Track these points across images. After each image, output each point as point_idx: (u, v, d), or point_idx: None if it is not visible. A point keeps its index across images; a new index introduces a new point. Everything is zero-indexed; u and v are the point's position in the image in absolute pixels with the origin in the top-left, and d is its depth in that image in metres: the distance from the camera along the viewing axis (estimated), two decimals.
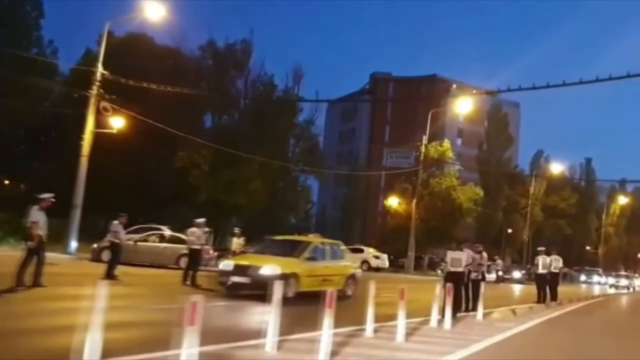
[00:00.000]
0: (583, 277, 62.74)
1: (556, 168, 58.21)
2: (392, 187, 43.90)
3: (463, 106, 37.89)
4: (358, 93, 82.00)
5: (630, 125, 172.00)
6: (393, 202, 39.34)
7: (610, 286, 51.10)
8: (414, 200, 38.19)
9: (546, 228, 60.28)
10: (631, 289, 43.23)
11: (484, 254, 15.96)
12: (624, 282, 47.59)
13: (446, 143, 39.09)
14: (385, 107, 77.96)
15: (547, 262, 19.34)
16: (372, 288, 8.41)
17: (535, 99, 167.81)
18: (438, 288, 10.64)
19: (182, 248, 18.31)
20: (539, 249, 20.10)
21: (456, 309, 12.18)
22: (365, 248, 35.37)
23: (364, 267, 33.98)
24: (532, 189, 57.24)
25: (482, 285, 14.08)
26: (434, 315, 10.46)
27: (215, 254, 21.16)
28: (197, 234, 15.89)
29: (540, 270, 19.25)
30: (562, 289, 22.07)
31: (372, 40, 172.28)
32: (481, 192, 39.52)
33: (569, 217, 62.24)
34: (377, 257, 34.51)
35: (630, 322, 18.04)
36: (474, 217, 48.82)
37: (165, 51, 34.07)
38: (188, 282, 15.01)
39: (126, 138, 23.90)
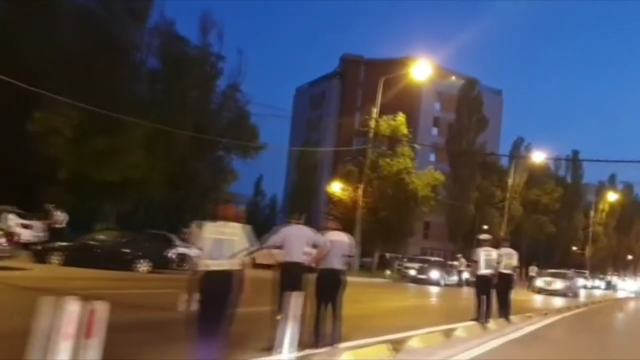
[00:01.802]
0: (582, 282, 56.48)
1: (538, 157, 51.57)
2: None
3: (420, 73, 31.22)
4: (327, 77, 75.44)
5: (620, 119, 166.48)
6: (336, 187, 32.62)
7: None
8: (361, 186, 31.47)
9: (527, 225, 53.69)
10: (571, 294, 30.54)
11: None
12: (559, 284, 31.27)
13: (400, 117, 32.33)
14: (356, 92, 71.28)
15: (493, 258, 12.66)
16: None
17: (520, 86, 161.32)
18: None
19: None
20: (481, 237, 13.34)
21: None
22: None
23: None
24: (510, 181, 50.66)
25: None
26: None
27: None
28: None
29: (483, 271, 12.55)
30: (528, 297, 15.69)
31: (343, 21, 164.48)
32: (441, 177, 32.77)
33: (552, 214, 55.68)
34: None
35: None
36: (440, 209, 42.28)
37: None
38: None
39: None
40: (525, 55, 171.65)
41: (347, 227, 31.68)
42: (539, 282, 31.94)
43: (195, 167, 30.27)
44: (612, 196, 69.45)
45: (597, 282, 58.64)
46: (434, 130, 67.56)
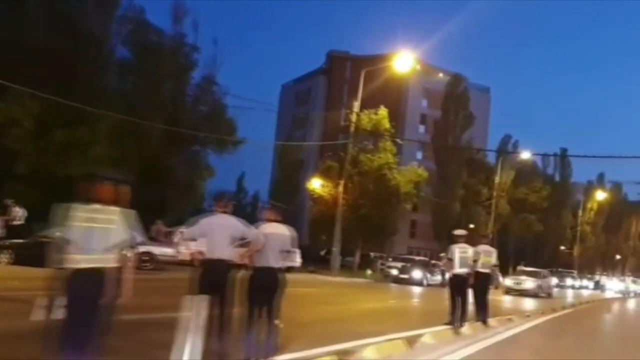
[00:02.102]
0: (555, 281, 55.66)
1: (526, 155, 50.72)
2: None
3: (402, 65, 30.18)
4: (313, 73, 74.23)
5: (609, 118, 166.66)
6: (316, 184, 31.43)
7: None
8: (341, 182, 30.33)
9: (514, 224, 52.83)
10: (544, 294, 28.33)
11: None
12: (529, 284, 28.78)
13: (382, 111, 31.19)
14: (342, 89, 70.10)
15: (469, 256, 11.58)
16: None
17: (508, 84, 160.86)
18: None
19: None
20: (456, 232, 12.25)
21: None
22: None
23: None
24: (497, 178, 49.75)
25: None
26: None
27: None
28: None
29: (458, 270, 11.46)
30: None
31: (330, 17, 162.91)
32: (424, 173, 31.67)
33: (540, 212, 54.84)
34: None
35: None
36: (426, 207, 41.33)
37: None
38: None
39: None
40: (515, 53, 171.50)
41: (328, 225, 30.55)
42: (508, 282, 30.32)
43: (169, 163, 28.95)
44: (600, 195, 68.82)
45: (585, 282, 57.88)
46: (421, 128, 66.56)
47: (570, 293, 42.68)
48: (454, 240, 11.87)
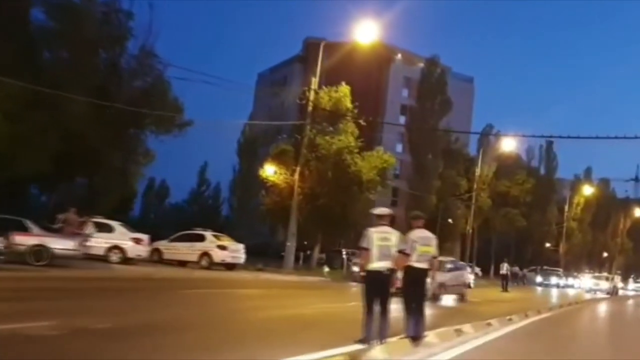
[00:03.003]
0: (539, 279, 52.76)
1: (508, 145, 47.57)
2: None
3: (364, 36, 26.83)
4: (289, 61, 70.74)
5: (596, 110, 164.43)
6: (269, 171, 27.99)
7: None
8: (297, 169, 26.97)
9: (496, 219, 49.71)
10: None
11: None
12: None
13: (343, 88, 27.83)
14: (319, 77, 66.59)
15: (391, 244, 8.21)
16: None
17: (494, 74, 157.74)
18: None
19: None
20: (375, 211, 8.84)
21: None
22: (207, 234, 23.79)
23: (203, 263, 22.65)
24: (478, 170, 46.57)
25: None
26: None
27: None
28: None
29: (375, 264, 8.11)
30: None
31: (308, 2, 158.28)
32: (391, 159, 28.29)
33: (523, 207, 51.73)
34: (223, 248, 22.95)
35: None
36: (403, 201, 38.04)
37: None
38: None
39: None
40: (502, 44, 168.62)
41: (283, 217, 27.16)
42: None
43: (98, 145, 25.35)
44: (587, 190, 65.96)
45: (570, 281, 54.89)
46: (402, 119, 63.35)
47: (554, 292, 39.61)
48: (374, 222, 8.54)
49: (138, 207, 63.67)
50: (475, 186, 46.12)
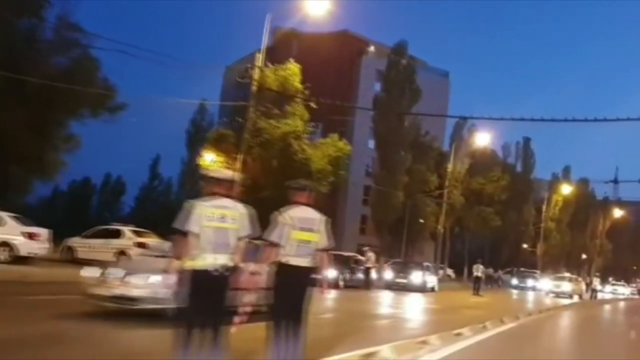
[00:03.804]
0: (515, 282, 50.09)
1: (483, 140, 44.93)
2: None
3: (315, 8, 23.71)
4: (256, 52, 67.42)
5: (576, 109, 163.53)
6: (209, 158, 24.81)
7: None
8: (239, 156, 23.78)
9: (469, 217, 46.97)
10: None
11: None
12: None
13: (292, 65, 24.73)
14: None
15: (231, 224, 5.17)
16: None
17: (470, 69, 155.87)
18: None
19: None
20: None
21: None
22: (125, 229, 20.53)
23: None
24: (450, 166, 43.79)
25: None
26: None
27: None
28: None
29: (203, 260, 5.02)
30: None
31: None
32: (346, 147, 25.21)
33: (498, 205, 49.05)
34: (141, 246, 19.71)
35: None
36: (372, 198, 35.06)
37: None
38: None
39: None
40: (477, 39, 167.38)
41: None
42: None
43: (10, 129, 21.97)
44: (566, 189, 63.65)
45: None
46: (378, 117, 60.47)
47: (530, 296, 36.84)
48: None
49: (95, 205, 60.16)
50: (447, 183, 43.36)
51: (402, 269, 27.05)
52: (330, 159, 24.19)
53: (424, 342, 8.67)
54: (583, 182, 71.07)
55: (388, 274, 26.79)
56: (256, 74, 24.00)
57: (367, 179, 52.68)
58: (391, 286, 25.75)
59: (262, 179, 23.51)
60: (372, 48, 65.26)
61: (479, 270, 31.35)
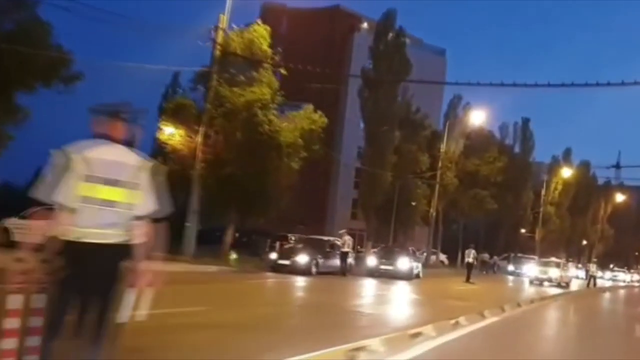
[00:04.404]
0: (511, 268, 47.87)
1: (478, 118, 42.49)
2: None
3: None
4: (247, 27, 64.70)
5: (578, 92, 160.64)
6: (168, 131, 22.42)
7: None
8: (201, 128, 21.48)
9: (463, 200, 44.65)
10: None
11: None
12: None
13: (259, 27, 22.21)
14: (277, 46, 60.89)
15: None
16: None
17: (468, 46, 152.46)
18: None
19: None
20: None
21: None
22: None
23: None
24: (443, 146, 41.42)
25: None
26: None
27: None
28: None
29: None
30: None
31: None
32: (321, 119, 22.74)
33: (494, 188, 46.67)
34: None
35: None
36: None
37: None
38: None
39: None
40: (474, 15, 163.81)
41: (183, 190, 21.71)
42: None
43: None
44: (566, 172, 61.22)
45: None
46: (366, 91, 57.92)
47: (526, 284, 34.53)
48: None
49: None
50: (440, 164, 40.99)
51: (387, 254, 24.78)
52: (303, 133, 21.77)
53: (359, 349, 6.39)
54: (584, 165, 68.64)
55: (371, 260, 24.48)
56: (219, 36, 21.59)
57: (359, 161, 50.43)
58: (373, 273, 23.54)
59: (225, 154, 21.14)
60: (365, 25, 62.49)
61: (470, 255, 29.00)
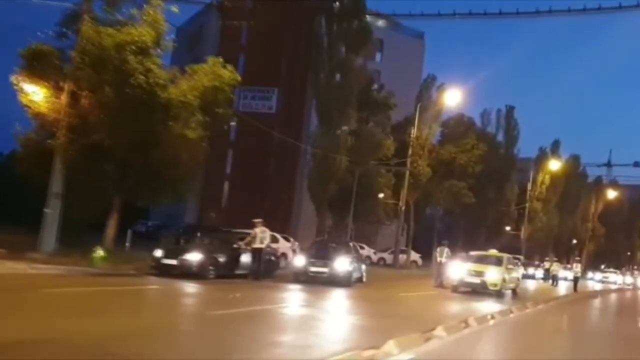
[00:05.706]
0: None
1: (453, 99, 37.28)
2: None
3: None
4: (206, 9, 59.43)
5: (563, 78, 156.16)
6: (30, 89, 17.11)
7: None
8: (66, 84, 16.25)
9: (437, 193, 39.52)
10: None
11: None
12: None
13: None
14: (239, 30, 55.82)
15: None
16: None
17: (447, 32, 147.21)
18: None
19: None
20: None
21: None
22: None
23: None
24: (414, 131, 36.22)
25: None
26: None
27: None
28: None
29: None
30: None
31: None
32: (233, 76, 17.28)
33: (471, 179, 41.52)
34: None
35: None
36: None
37: None
38: None
39: None
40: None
41: (43, 166, 16.07)
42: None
43: None
44: (554, 165, 56.26)
45: (531, 270, 45.15)
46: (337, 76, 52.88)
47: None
48: None
49: None
50: (410, 151, 35.84)
51: (319, 252, 19.19)
52: (204, 91, 16.48)
53: None
54: (574, 159, 63.90)
55: (299, 260, 18.94)
56: None
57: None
58: (300, 277, 18.04)
59: (93, 116, 15.86)
60: (337, 3, 57.42)
61: (443, 254, 23.40)
